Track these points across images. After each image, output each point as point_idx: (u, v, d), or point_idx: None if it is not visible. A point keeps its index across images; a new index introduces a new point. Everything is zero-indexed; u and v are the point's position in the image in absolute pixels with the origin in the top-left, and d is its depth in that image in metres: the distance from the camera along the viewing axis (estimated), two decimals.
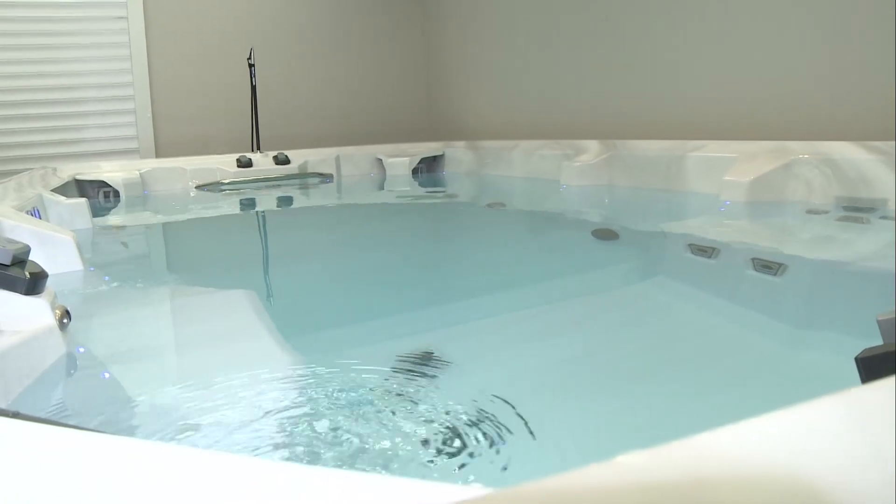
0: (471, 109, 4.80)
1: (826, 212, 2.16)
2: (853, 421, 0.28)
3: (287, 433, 0.84)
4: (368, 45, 5.14)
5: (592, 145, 3.30)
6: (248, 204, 3.54)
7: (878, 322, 0.58)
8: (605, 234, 2.23)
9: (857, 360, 0.56)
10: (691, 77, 3.05)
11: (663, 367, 1.08)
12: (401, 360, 1.07)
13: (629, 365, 1.10)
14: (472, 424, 0.83)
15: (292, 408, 0.90)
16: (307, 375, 1.02)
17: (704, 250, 1.89)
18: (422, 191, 3.89)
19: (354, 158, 4.39)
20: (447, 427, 0.83)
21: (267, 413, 0.89)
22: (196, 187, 3.87)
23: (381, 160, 4.42)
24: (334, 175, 4.29)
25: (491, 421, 0.84)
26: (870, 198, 2.09)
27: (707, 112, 2.98)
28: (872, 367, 0.54)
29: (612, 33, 3.48)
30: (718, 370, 1.07)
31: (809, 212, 2.21)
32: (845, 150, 2.19)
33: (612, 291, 1.60)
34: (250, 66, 4.30)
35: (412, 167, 4.38)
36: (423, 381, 0.99)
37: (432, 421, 0.85)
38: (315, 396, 0.94)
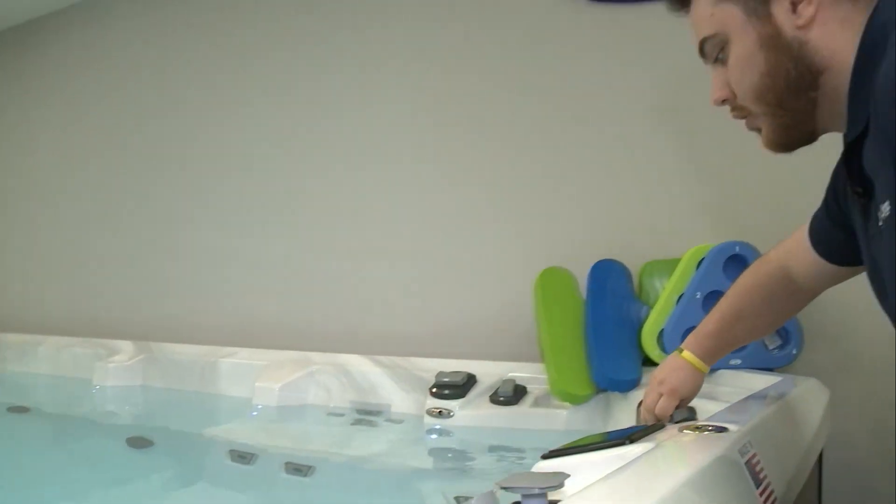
0: None
1: (343, 415, 2.50)
2: None
3: None
4: None
5: (127, 346, 3.27)
6: None
7: None
8: (140, 443, 2.23)
9: None
10: (221, 289, 3.32)
11: None
12: None
13: None
14: None
15: None
16: None
17: (243, 456, 2.03)
18: None
19: None
20: None
21: None
22: None
23: None
24: None
25: None
26: (377, 402, 2.50)
27: (238, 322, 3.25)
28: None
29: (140, 238, 3.62)
30: None
31: (330, 414, 2.53)
32: (356, 363, 2.60)
33: None
34: None
35: None
36: None
37: None
38: None
